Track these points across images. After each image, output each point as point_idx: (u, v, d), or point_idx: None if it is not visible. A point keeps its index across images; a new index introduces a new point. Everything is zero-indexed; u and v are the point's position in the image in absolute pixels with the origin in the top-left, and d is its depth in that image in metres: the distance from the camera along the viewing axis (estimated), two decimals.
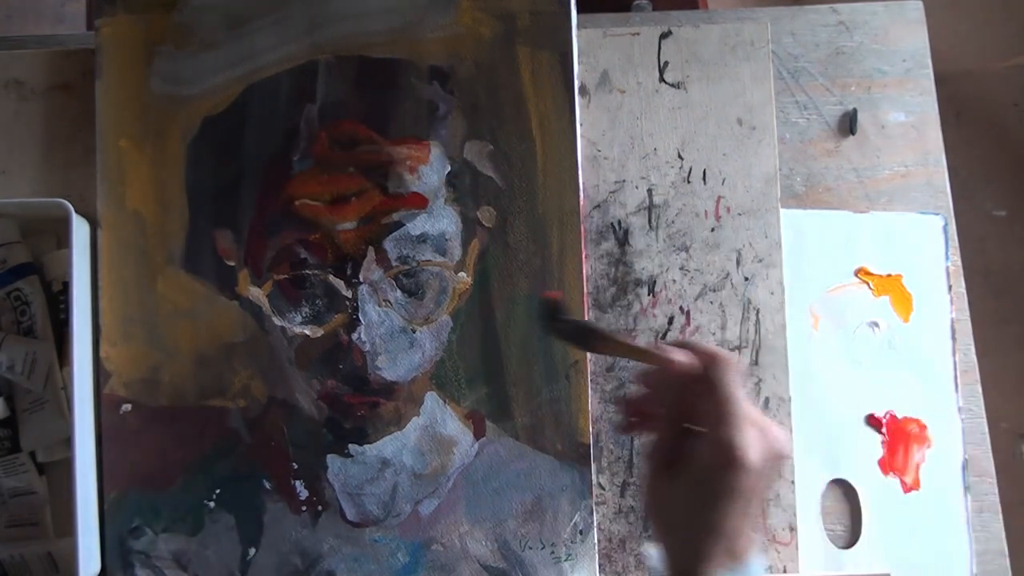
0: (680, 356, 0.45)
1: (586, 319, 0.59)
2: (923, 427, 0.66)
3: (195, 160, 0.64)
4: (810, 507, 0.64)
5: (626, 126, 0.67)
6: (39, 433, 0.62)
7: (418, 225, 0.63)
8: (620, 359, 0.65)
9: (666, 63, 0.68)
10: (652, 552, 0.47)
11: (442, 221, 0.64)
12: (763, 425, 0.45)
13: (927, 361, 0.67)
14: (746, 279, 0.66)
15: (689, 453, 0.45)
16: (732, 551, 0.45)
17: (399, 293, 0.63)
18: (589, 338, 0.52)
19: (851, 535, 0.65)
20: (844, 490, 0.65)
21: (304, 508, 0.62)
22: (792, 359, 0.65)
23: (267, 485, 0.62)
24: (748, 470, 0.43)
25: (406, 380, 0.63)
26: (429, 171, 0.64)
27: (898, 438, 0.65)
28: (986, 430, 0.66)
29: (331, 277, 0.63)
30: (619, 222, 0.66)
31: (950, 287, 0.67)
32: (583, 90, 0.67)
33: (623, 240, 0.66)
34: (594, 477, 0.63)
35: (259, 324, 0.63)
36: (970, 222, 1.48)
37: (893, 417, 0.66)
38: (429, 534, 0.62)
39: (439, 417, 0.63)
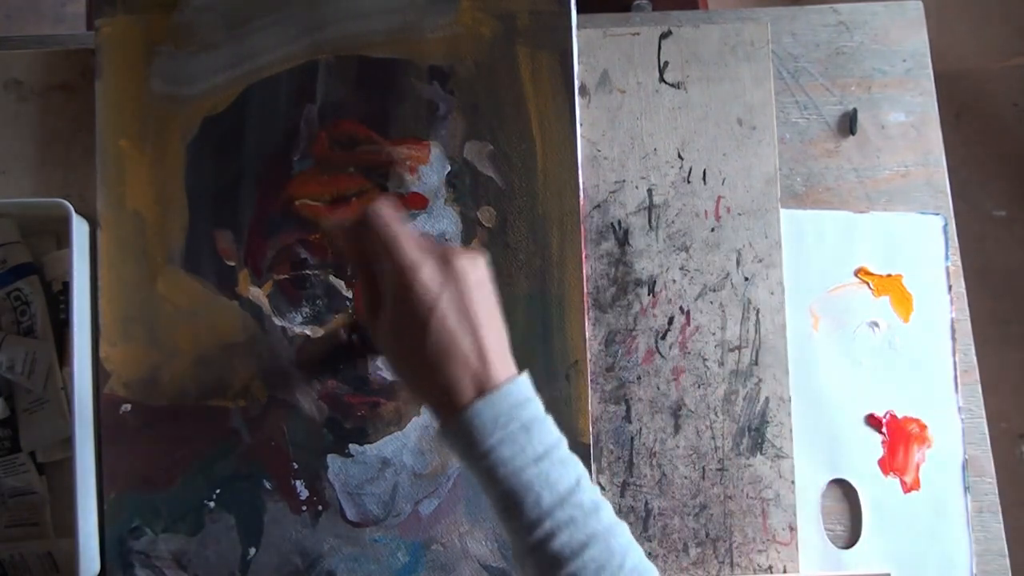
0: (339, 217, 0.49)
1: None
2: (923, 427, 0.66)
3: (195, 160, 0.64)
4: (810, 507, 0.64)
5: (626, 126, 0.67)
6: (39, 433, 0.62)
7: (418, 225, 0.63)
8: (620, 361, 0.65)
9: (666, 63, 0.68)
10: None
11: (442, 221, 0.64)
12: (432, 247, 0.47)
13: (927, 361, 0.67)
14: (746, 279, 0.66)
15: (381, 294, 0.47)
16: (480, 376, 0.46)
17: None
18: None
19: (851, 535, 0.65)
20: (844, 490, 0.65)
21: (304, 508, 0.62)
22: (792, 359, 0.65)
23: (267, 485, 0.62)
24: (426, 287, 0.45)
25: None
26: (429, 171, 0.64)
27: (898, 438, 0.65)
28: (986, 430, 0.66)
29: (331, 277, 0.63)
30: (619, 222, 0.66)
31: (950, 287, 0.67)
32: (583, 90, 0.67)
33: (623, 240, 0.66)
34: (594, 477, 0.63)
35: (259, 324, 0.63)
36: (970, 222, 1.48)
37: (893, 417, 0.66)
38: (429, 534, 0.62)
39: None
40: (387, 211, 0.47)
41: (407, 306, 0.45)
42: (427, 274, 0.45)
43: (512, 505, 0.44)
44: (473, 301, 0.46)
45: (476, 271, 0.47)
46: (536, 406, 0.47)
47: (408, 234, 0.47)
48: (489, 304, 0.48)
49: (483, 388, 0.45)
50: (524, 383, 0.47)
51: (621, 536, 0.45)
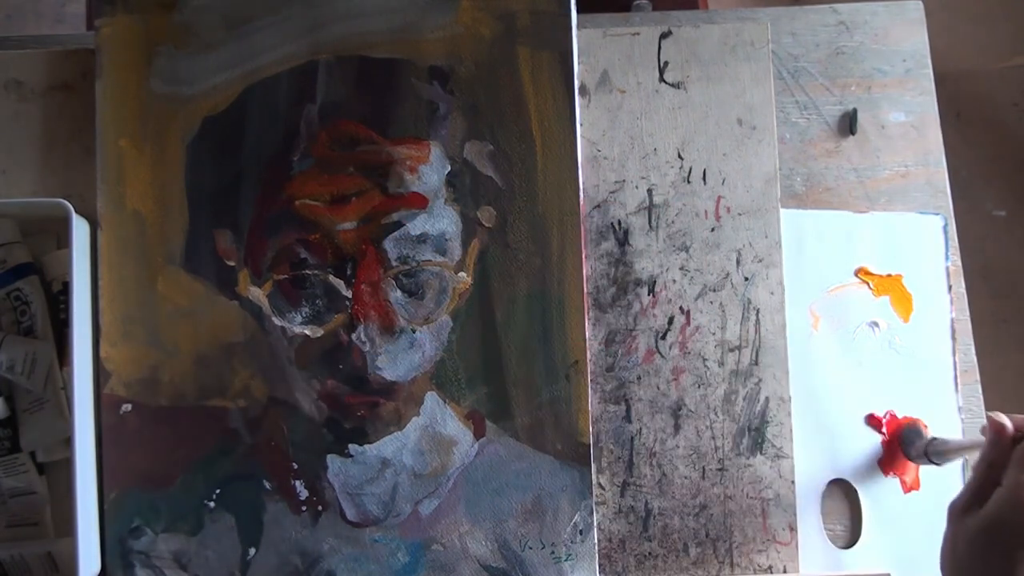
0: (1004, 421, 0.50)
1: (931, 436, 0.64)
2: (923, 427, 0.66)
3: (195, 160, 0.64)
4: (810, 507, 0.64)
5: (626, 126, 0.67)
6: (39, 433, 0.62)
7: (418, 225, 0.64)
8: (620, 361, 0.65)
9: (666, 63, 0.68)
10: None
11: (442, 221, 0.64)
12: None
13: (927, 361, 0.67)
14: (746, 279, 0.66)
15: (986, 499, 0.48)
16: None
17: (399, 293, 0.63)
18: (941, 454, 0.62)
19: (851, 535, 0.65)
20: (844, 490, 0.65)
21: (304, 508, 0.62)
22: (792, 359, 0.65)
23: (267, 485, 0.62)
24: None
25: (406, 380, 0.63)
26: (429, 171, 0.64)
27: (898, 438, 0.65)
28: None
29: (331, 277, 0.63)
30: (619, 222, 0.66)
31: (950, 287, 0.67)
32: (583, 90, 0.67)
33: (623, 240, 0.66)
34: (594, 477, 0.63)
35: (259, 324, 0.63)
36: (970, 222, 1.48)
37: (893, 417, 0.66)
38: (429, 534, 0.62)
39: (439, 417, 0.63)
40: None
41: (1011, 524, 0.47)
42: None
43: None
44: None
45: None
46: None
47: None
48: None
49: None
50: None
51: None
